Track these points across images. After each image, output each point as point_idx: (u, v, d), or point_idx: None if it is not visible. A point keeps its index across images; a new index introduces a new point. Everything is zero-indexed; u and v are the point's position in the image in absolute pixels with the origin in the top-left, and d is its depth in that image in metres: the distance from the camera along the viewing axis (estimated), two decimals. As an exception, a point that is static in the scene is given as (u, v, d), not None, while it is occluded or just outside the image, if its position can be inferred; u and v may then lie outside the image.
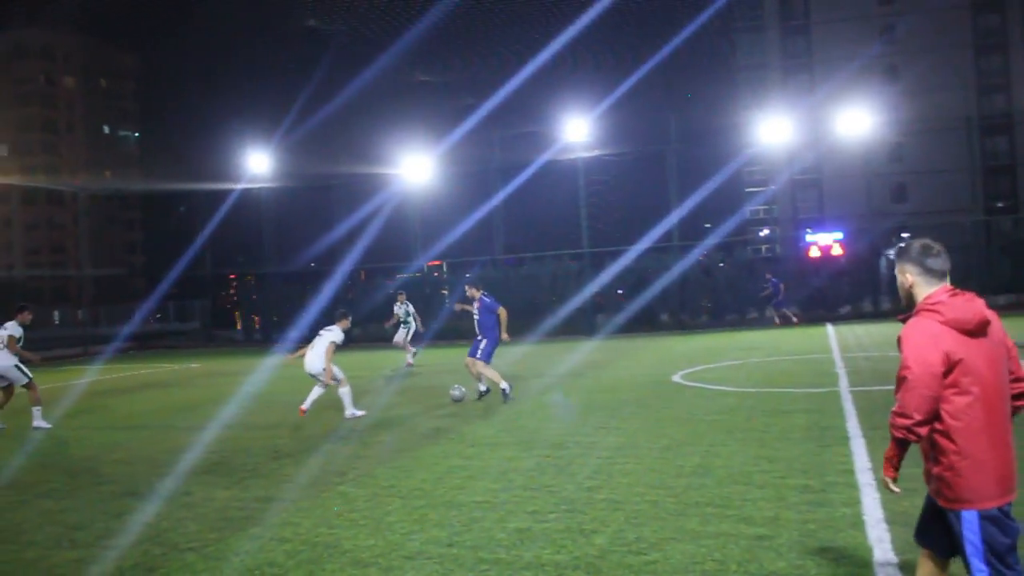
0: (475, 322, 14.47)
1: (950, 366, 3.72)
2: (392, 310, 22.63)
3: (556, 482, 8.02)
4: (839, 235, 33.64)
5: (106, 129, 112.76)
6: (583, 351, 22.99)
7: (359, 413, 13.12)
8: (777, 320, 29.09)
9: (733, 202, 59.01)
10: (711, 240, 34.10)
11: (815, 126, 38.92)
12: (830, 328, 25.44)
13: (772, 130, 31.76)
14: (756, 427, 10.12)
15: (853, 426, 9.91)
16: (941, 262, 3.93)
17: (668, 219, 30.70)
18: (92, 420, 14.71)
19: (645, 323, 29.95)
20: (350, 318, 13.90)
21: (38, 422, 13.70)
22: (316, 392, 13.36)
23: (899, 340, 3.85)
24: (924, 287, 3.94)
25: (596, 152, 31.68)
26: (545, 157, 31.76)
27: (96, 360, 29.99)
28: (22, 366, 13.79)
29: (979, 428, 3.75)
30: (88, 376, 23.54)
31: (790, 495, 7.10)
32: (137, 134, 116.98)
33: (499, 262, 32.85)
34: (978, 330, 3.79)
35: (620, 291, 32.67)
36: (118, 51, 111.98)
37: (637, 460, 8.74)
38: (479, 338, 14.25)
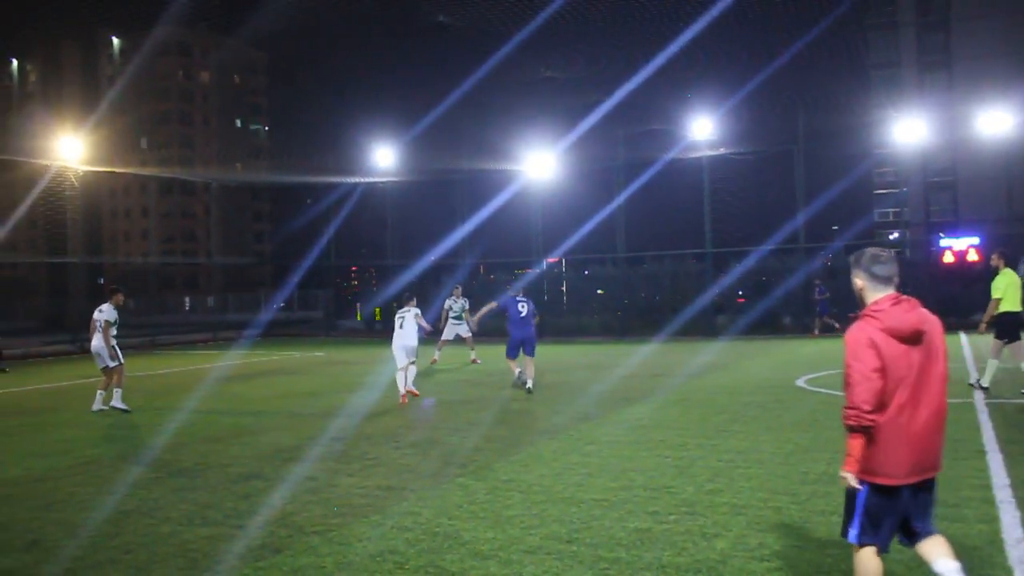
0: None
1: (881, 366, 4.22)
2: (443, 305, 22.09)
3: (676, 483, 7.92)
4: (975, 240, 32.32)
5: (238, 123, 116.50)
6: (704, 353, 22.66)
7: (403, 391, 14.42)
8: (816, 331, 28.03)
9: (862, 204, 57.29)
10: (838, 243, 33.19)
11: (952, 126, 37.40)
12: (963, 336, 24.45)
13: (905, 130, 30.72)
14: (885, 436, 9.78)
15: (989, 439, 9.51)
16: (887, 269, 4.43)
17: (794, 220, 29.99)
18: (221, 404, 15.20)
19: (767, 326, 29.33)
20: (415, 299, 15.18)
21: (116, 402, 14.14)
22: (412, 372, 14.67)
23: (845, 342, 4.37)
24: (872, 292, 4.45)
25: (721, 151, 31.15)
26: (670, 155, 31.38)
27: (225, 346, 30.99)
28: (116, 348, 14.37)
29: (893, 421, 4.26)
30: (217, 361, 24.33)
31: (922, 508, 6.84)
32: (267, 128, 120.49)
33: (620, 260, 32.60)
34: (912, 338, 4.29)
35: (740, 292, 32.09)
36: (251, 48, 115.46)
37: (760, 465, 8.56)
38: None
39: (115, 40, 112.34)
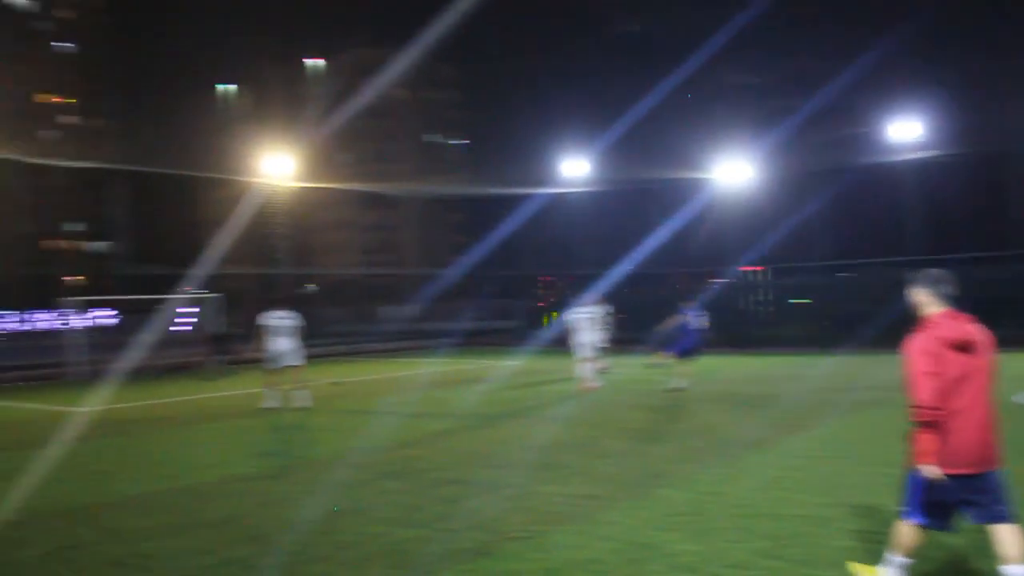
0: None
1: (937, 370, 4.85)
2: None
3: (886, 501, 7.58)
4: None
5: (434, 137, 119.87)
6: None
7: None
8: None
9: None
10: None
11: None
12: None
13: None
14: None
15: None
16: (949, 289, 5.09)
17: (1009, 224, 28.18)
18: (422, 410, 15.64)
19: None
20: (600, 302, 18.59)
21: (304, 402, 15.82)
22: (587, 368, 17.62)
23: (906, 350, 5.03)
24: (930, 307, 5.12)
25: (927, 153, 29.61)
26: (870, 159, 30.12)
27: (423, 354, 31.88)
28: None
29: (953, 418, 4.88)
30: (416, 369, 25.07)
31: None
32: (461, 142, 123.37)
33: (823, 268, 31.52)
34: (964, 346, 4.90)
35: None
36: (444, 64, 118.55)
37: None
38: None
39: (316, 62, 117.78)
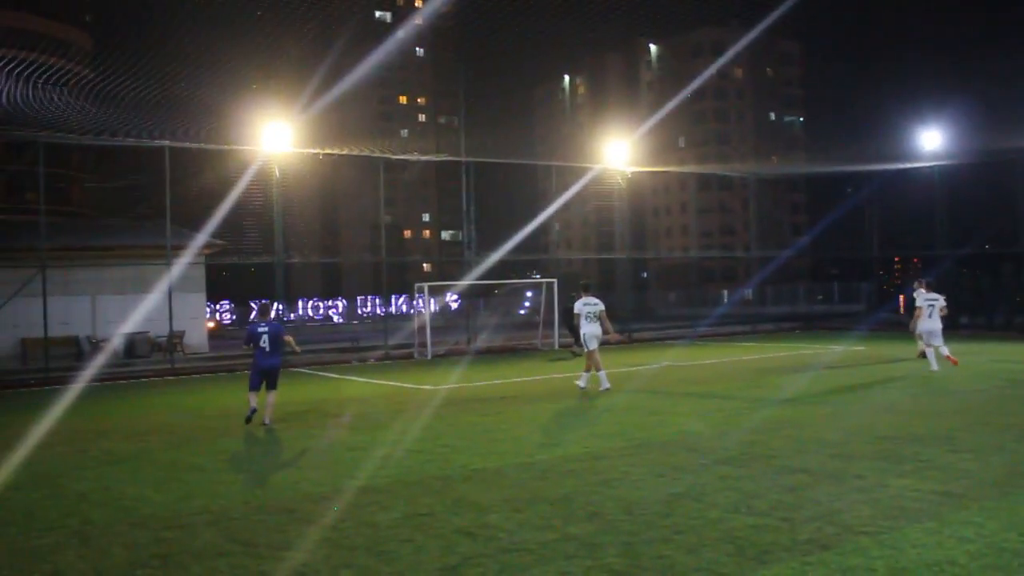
0: None
1: None
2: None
3: None
4: None
5: (772, 116, 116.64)
6: None
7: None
8: None
9: None
10: None
11: None
12: None
13: None
14: None
15: None
16: None
17: None
18: (760, 395, 15.23)
19: None
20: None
21: (583, 383, 16.43)
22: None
23: None
24: None
25: None
26: None
27: (763, 338, 31.15)
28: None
29: None
30: (754, 353, 24.51)
31: None
32: (802, 119, 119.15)
33: None
34: None
35: None
36: (783, 40, 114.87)
37: None
38: None
39: (652, 47, 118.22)
